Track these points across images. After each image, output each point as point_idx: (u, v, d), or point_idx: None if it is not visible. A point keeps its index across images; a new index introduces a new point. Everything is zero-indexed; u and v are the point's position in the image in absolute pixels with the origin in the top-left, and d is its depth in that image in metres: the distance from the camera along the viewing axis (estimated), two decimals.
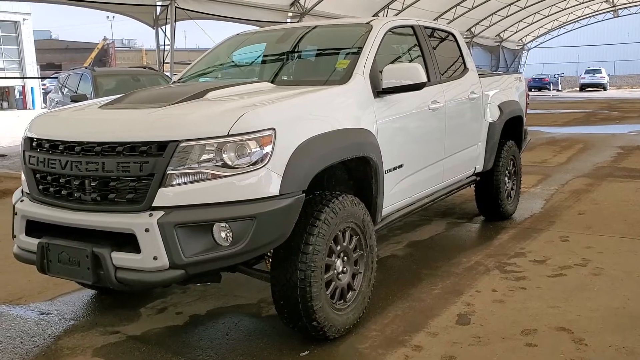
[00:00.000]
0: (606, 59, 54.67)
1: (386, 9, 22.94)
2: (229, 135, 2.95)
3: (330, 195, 3.45)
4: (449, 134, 4.98)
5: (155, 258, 2.87)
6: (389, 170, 4.13)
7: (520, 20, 35.15)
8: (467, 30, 31.59)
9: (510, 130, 6.52)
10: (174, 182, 2.94)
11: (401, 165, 4.29)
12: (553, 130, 16.22)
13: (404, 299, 4.12)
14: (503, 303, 4.01)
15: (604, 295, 4.11)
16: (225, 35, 5.34)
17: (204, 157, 2.95)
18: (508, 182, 6.37)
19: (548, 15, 36.07)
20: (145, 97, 3.68)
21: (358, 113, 3.80)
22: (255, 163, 2.98)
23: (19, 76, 31.83)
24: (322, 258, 3.27)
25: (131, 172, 2.96)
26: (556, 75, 48.71)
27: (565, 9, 35.81)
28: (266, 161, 3.00)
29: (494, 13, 30.78)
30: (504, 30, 35.62)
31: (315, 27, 4.85)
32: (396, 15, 23.36)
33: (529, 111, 21.91)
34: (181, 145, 2.94)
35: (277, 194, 3.02)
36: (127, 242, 2.95)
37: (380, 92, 4.03)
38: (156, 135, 2.98)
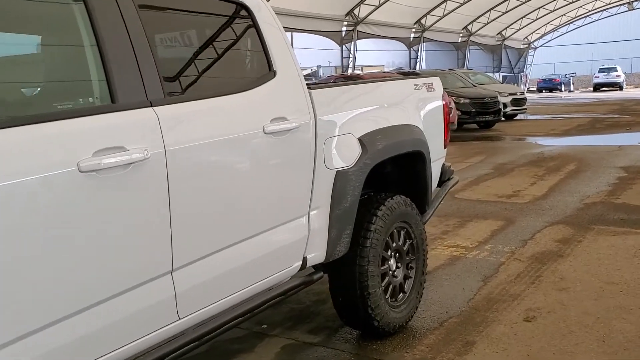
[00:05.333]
0: (622, 56, 51.18)
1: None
2: None
3: None
4: (188, 216, 2.27)
5: None
6: None
7: (524, 16, 32.14)
8: (463, 29, 28.76)
9: (401, 177, 3.80)
10: None
11: None
12: (546, 142, 13.37)
13: None
14: None
15: None
16: None
17: None
18: (397, 270, 3.62)
19: (554, 10, 33.00)
20: None
21: None
22: None
23: None
24: None
25: None
26: (567, 75, 45.51)
27: (572, 2, 32.74)
28: None
29: (491, 9, 27.88)
30: (506, 28, 32.61)
31: None
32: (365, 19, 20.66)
33: (526, 117, 19.15)
34: None
35: None
36: None
37: None
38: None
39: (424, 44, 26.77)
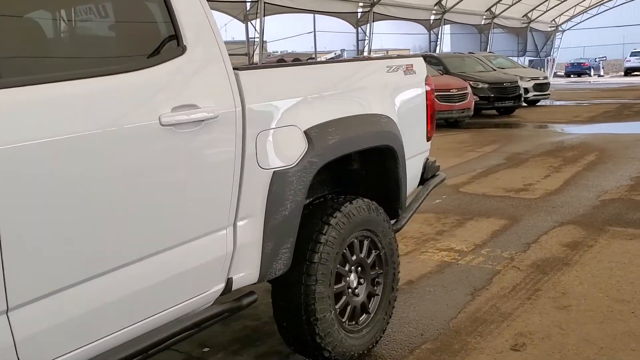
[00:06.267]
0: None
1: None
2: None
3: None
4: (28, 238, 1.72)
5: None
6: None
7: None
8: (486, 10, 27.69)
9: (371, 176, 3.22)
10: None
11: None
12: (569, 129, 12.62)
13: None
14: None
15: None
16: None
17: None
18: (358, 288, 3.04)
19: None
20: None
21: None
22: None
23: None
24: None
25: None
26: (597, 59, 43.98)
27: None
28: None
29: None
30: (532, 10, 31.32)
31: None
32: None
33: (552, 102, 18.20)
34: None
35: None
36: None
37: None
38: None
39: (445, 27, 25.82)
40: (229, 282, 2.44)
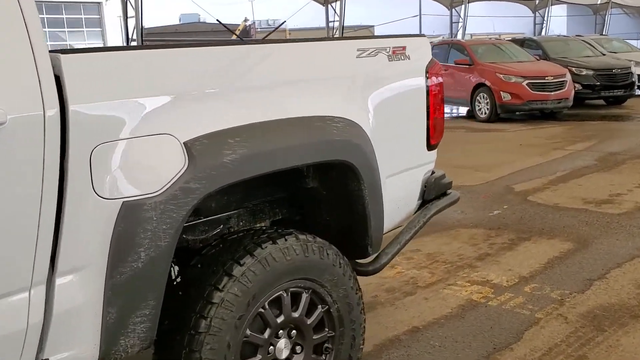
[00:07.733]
0: None
1: None
2: None
3: None
4: None
5: None
6: None
7: None
8: None
9: (332, 199, 2.36)
10: None
11: None
12: None
13: None
14: None
15: None
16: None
17: None
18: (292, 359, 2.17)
19: None
20: None
21: None
22: None
23: None
24: None
25: None
26: None
27: None
28: None
29: None
30: None
31: None
32: None
33: None
34: None
35: None
36: None
37: None
38: None
39: (554, 8, 23.67)
40: None
